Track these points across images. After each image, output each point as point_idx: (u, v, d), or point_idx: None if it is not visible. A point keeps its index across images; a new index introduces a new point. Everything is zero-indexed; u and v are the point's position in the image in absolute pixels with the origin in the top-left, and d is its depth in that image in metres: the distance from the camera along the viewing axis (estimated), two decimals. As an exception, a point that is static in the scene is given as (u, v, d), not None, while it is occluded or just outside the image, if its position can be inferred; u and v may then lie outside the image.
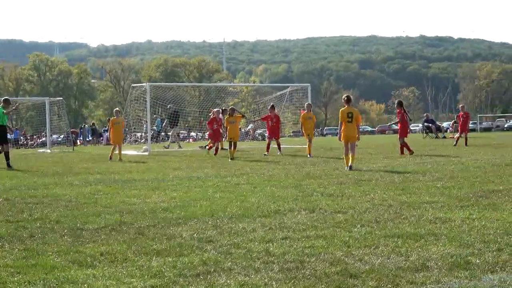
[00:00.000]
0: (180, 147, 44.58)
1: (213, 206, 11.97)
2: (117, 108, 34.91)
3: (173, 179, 18.46)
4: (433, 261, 7.05)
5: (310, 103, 34.67)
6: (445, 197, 12.56)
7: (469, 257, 7.20)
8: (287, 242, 8.41)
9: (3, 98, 27.06)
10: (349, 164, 20.21)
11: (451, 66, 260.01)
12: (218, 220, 10.27)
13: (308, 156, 28.09)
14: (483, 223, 9.37)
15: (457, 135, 38.41)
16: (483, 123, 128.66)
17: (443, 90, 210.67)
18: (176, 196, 13.92)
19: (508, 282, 6.11)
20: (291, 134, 76.30)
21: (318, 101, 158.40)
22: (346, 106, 21.14)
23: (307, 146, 29.21)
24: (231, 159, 27.20)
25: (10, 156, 26.18)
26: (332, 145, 40.52)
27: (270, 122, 32.20)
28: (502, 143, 39.37)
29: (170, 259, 7.54)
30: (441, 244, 7.97)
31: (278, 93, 54.68)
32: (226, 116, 29.68)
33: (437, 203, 11.62)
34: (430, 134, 61.02)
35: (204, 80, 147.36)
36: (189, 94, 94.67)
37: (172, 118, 44.79)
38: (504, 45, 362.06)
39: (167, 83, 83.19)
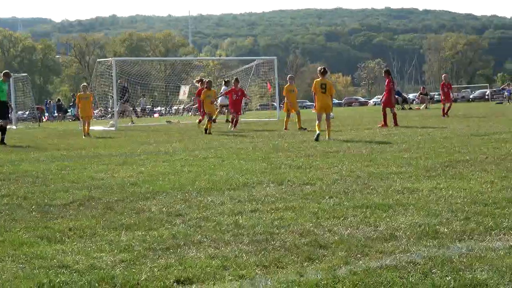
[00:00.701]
0: (132, 122, 44.16)
1: (181, 180, 11.95)
2: (85, 83, 33.95)
3: (140, 153, 18.40)
4: (401, 231, 7.09)
5: (292, 75, 33.59)
6: (413, 167, 12.63)
7: (437, 226, 7.25)
8: (256, 214, 8.42)
9: (3, 72, 25.67)
10: (326, 133, 20.82)
11: (417, 38, 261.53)
12: (186, 194, 10.26)
13: (302, 129, 26.83)
14: (450, 192, 9.44)
15: (447, 105, 36.50)
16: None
17: (408, 62, 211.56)
18: (144, 170, 13.87)
19: (475, 250, 6.16)
20: (258, 107, 76.21)
21: (284, 74, 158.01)
22: (320, 78, 21.37)
23: (285, 120, 28.85)
24: (208, 133, 26.47)
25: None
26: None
27: (234, 95, 30.62)
28: (468, 114, 39.65)
29: (139, 233, 7.52)
30: (409, 214, 8.03)
31: (244, 67, 54.66)
32: (204, 90, 28.38)
33: (404, 174, 11.69)
34: (396, 105, 61.26)
35: (169, 55, 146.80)
36: (155, 68, 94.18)
37: (121, 93, 43.67)
38: (468, 16, 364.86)
39: (132, 58, 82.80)
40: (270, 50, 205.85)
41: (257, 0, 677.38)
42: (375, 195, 9.52)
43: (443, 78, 38.45)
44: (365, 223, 7.62)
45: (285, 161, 14.73)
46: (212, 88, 28.67)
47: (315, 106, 22.00)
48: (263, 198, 9.61)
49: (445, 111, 35.77)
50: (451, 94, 36.82)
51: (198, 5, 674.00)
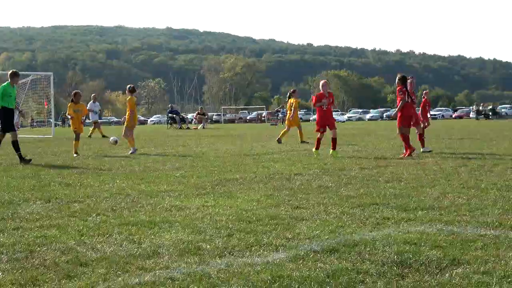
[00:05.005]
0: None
1: None
2: None
3: None
4: (164, 248, 7.12)
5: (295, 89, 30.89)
6: (183, 185, 12.76)
7: (200, 243, 7.34)
8: (19, 232, 8.17)
9: (11, 72, 20.32)
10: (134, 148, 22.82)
11: (197, 59, 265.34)
12: None
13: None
14: (217, 210, 9.61)
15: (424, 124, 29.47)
16: (227, 115, 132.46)
17: (189, 82, 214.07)
18: None
19: (234, 266, 6.29)
20: (34, 124, 74.38)
21: (63, 91, 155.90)
22: (131, 96, 23.54)
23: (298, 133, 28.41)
24: (75, 153, 22.27)
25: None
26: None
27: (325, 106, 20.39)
28: (243, 134, 40.65)
29: None
30: (174, 231, 8.08)
31: (20, 82, 53.10)
32: (70, 103, 23.52)
33: (174, 192, 11.79)
34: (174, 125, 61.81)
35: None
36: None
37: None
38: (248, 39, 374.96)
39: None
40: (49, 66, 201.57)
41: (36, 14, 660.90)
42: (142, 212, 9.52)
43: (425, 95, 31.62)
44: (130, 240, 7.60)
45: (55, 178, 14.46)
46: (81, 102, 24.13)
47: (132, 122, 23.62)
48: (27, 215, 9.35)
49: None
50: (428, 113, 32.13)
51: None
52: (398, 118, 19.74)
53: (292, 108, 28.21)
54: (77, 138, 22.72)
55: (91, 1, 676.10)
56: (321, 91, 20.33)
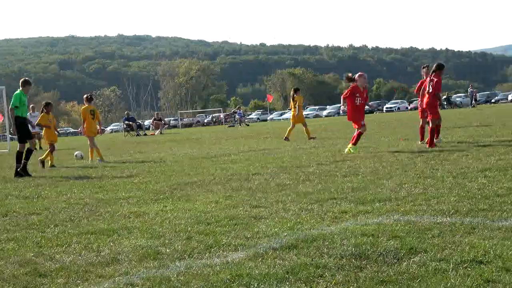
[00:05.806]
0: None
1: None
2: None
3: None
4: (124, 254, 7.10)
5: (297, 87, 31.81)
6: (142, 191, 12.72)
7: (159, 247, 7.33)
8: (-24, 248, 8.10)
9: (23, 79, 19.62)
10: (98, 158, 22.51)
11: (151, 64, 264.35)
12: None
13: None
14: (176, 214, 9.60)
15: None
16: (184, 119, 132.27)
17: (144, 88, 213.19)
18: None
19: (194, 268, 6.30)
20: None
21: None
22: (87, 105, 23.18)
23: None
24: (51, 165, 21.66)
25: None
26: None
27: (357, 99, 18.87)
28: (201, 138, 40.65)
29: None
30: (133, 237, 8.06)
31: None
32: (43, 113, 22.41)
33: (133, 198, 11.74)
34: (131, 132, 61.51)
35: None
36: None
37: None
38: (201, 42, 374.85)
39: None
40: (2, 80, 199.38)
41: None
42: (101, 221, 9.48)
43: None
44: (89, 249, 7.56)
45: (12, 191, 14.32)
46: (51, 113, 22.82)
47: (85, 131, 23.28)
48: (-16, 231, 9.28)
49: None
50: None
51: None
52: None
53: (297, 106, 28.83)
54: (53, 149, 22.00)
55: (41, 13, 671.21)
56: (356, 84, 18.82)
